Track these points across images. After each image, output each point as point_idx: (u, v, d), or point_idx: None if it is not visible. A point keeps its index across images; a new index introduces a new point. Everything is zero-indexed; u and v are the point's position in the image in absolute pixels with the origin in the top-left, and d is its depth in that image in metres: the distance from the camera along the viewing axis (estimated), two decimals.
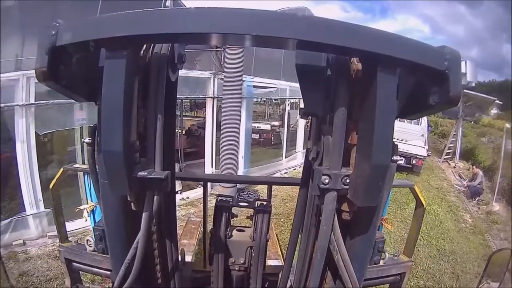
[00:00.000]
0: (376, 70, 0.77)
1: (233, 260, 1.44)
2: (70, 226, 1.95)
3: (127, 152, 0.80)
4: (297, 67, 0.91)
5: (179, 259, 1.34)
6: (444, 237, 7.09)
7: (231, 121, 6.99)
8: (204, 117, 9.23)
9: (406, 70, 0.83)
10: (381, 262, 1.48)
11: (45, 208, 5.43)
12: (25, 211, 5.40)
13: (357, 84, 0.89)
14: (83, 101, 0.97)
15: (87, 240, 1.55)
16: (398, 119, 0.90)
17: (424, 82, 0.83)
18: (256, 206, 1.46)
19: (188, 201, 7.51)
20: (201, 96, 8.29)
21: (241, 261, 1.44)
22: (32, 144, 5.37)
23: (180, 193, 7.52)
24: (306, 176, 1.17)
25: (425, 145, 12.22)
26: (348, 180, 0.87)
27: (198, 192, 7.45)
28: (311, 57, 0.90)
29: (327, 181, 0.87)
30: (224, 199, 1.46)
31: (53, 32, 0.73)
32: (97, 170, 1.00)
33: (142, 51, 0.94)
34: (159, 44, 0.97)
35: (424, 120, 12.98)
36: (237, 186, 7.18)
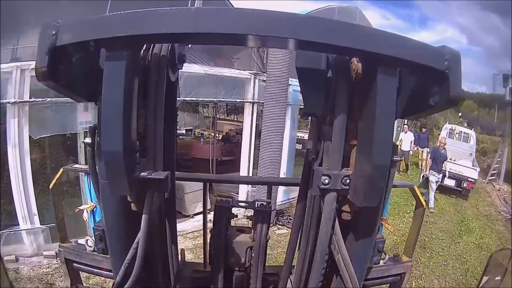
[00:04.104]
0: (376, 70, 0.77)
1: (233, 261, 1.43)
2: None
3: (127, 152, 0.80)
4: (298, 67, 0.91)
5: (179, 259, 1.33)
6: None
7: (273, 130, 5.99)
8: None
9: (407, 70, 0.83)
10: (381, 262, 1.48)
11: (40, 224, 4.78)
12: (19, 225, 4.76)
13: (357, 84, 0.89)
14: (83, 101, 0.97)
15: (87, 240, 1.55)
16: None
17: (425, 82, 0.83)
18: (256, 206, 1.46)
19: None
20: (238, 100, 7.03)
21: (241, 262, 1.43)
22: (26, 149, 4.62)
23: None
24: (306, 176, 1.17)
25: (475, 166, 10.96)
26: (348, 181, 0.87)
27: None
28: (312, 57, 0.89)
29: (327, 181, 0.87)
30: (224, 199, 1.46)
31: (53, 32, 0.73)
32: (97, 171, 1.00)
33: (142, 51, 0.94)
34: (159, 44, 0.97)
35: (472, 137, 12.20)
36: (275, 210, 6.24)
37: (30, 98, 4.55)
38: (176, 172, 1.33)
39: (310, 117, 1.06)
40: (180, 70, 1.11)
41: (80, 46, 0.76)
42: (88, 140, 0.98)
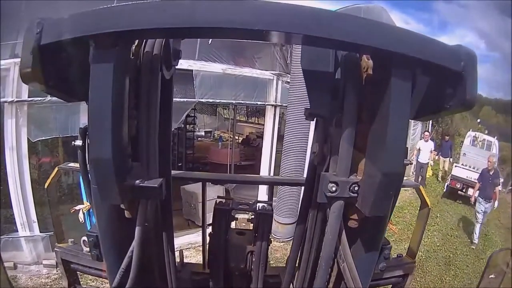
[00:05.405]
0: (388, 69, 0.71)
1: (233, 265, 1.40)
2: None
3: (118, 158, 0.74)
4: (303, 64, 0.85)
5: (177, 263, 1.30)
6: None
7: (297, 135, 5.51)
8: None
9: (420, 70, 0.77)
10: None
11: (40, 232, 4.50)
12: (17, 231, 4.50)
13: (367, 84, 0.83)
14: (73, 101, 0.91)
15: (83, 241, 1.51)
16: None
17: (439, 83, 0.77)
18: (257, 208, 1.42)
19: None
20: (259, 102, 6.48)
21: (241, 267, 1.39)
22: (24, 152, 4.28)
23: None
24: (310, 180, 1.12)
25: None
26: (356, 188, 0.82)
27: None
28: (319, 54, 0.83)
29: (334, 188, 0.81)
30: (223, 201, 1.42)
31: (38, 30, 0.68)
32: (89, 174, 0.95)
33: (133, 47, 0.87)
34: (151, 39, 0.90)
35: (495, 146, 10.97)
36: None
37: (28, 97, 4.24)
38: (173, 171, 1.29)
39: (315, 119, 1.00)
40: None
41: (66, 44, 0.70)
42: (78, 142, 0.93)
